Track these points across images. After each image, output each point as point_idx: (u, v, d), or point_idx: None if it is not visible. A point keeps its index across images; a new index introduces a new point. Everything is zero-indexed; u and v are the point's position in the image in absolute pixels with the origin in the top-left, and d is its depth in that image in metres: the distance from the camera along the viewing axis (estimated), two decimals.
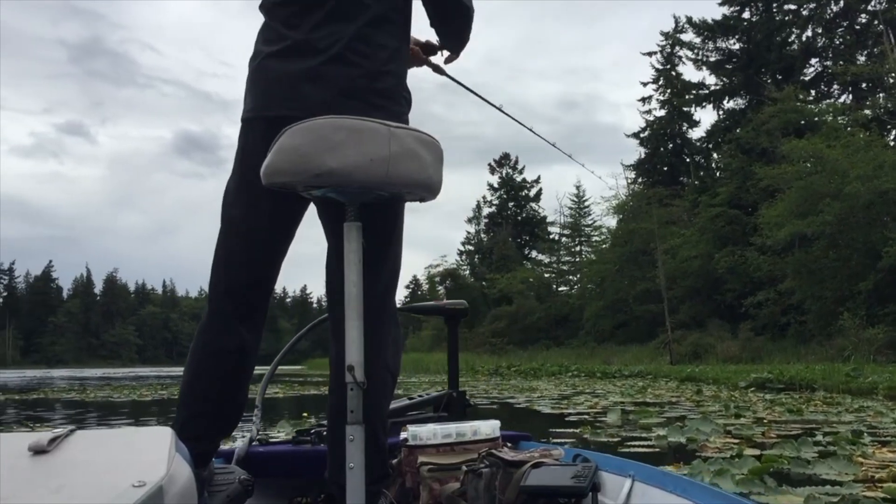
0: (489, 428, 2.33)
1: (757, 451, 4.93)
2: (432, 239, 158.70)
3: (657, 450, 5.40)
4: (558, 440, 5.86)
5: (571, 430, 6.73)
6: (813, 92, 38.59)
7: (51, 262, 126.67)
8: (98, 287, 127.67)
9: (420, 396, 3.02)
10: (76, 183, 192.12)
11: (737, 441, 5.58)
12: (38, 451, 1.36)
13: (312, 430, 2.59)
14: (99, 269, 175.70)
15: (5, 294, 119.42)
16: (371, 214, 1.82)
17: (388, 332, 2.10)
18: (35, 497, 1.25)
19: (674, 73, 46.54)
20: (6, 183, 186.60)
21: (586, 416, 8.34)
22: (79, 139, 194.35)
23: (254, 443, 2.54)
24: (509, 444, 2.37)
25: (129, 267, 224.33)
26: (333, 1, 1.96)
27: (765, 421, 7.33)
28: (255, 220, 2.06)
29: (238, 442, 2.56)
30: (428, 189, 1.72)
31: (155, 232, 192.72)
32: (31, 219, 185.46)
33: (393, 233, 2.10)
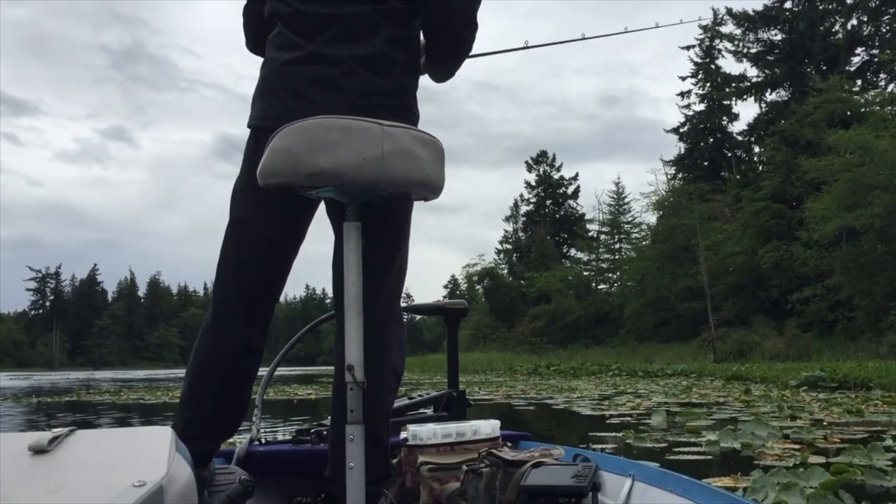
0: (489, 427, 2.32)
1: (822, 459, 4.43)
2: (470, 238, 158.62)
3: (709, 457, 4.90)
4: (599, 445, 5.41)
5: (613, 434, 6.26)
6: (859, 82, 37.62)
7: (95, 265, 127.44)
8: (142, 290, 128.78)
9: (420, 396, 2.96)
10: (119, 187, 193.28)
11: (797, 447, 5.06)
12: (38, 450, 1.35)
13: (312, 430, 2.56)
14: (142, 272, 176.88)
15: (52, 298, 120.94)
16: (377, 214, 1.87)
17: (394, 332, 2.09)
18: (35, 497, 1.24)
19: (713, 66, 45.76)
20: (52, 189, 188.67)
21: (629, 419, 7.86)
22: (122, 144, 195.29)
23: (254, 442, 2.52)
24: (509, 444, 2.35)
25: (171, 269, 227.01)
26: (348, 18, 1.95)
27: (824, 423, 6.78)
28: (263, 220, 2.04)
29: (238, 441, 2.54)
30: (427, 188, 1.71)
31: (196, 234, 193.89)
32: (76, 223, 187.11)
33: (400, 233, 2.08)
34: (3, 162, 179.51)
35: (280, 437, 2.74)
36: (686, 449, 5.25)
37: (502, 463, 2.00)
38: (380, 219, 1.94)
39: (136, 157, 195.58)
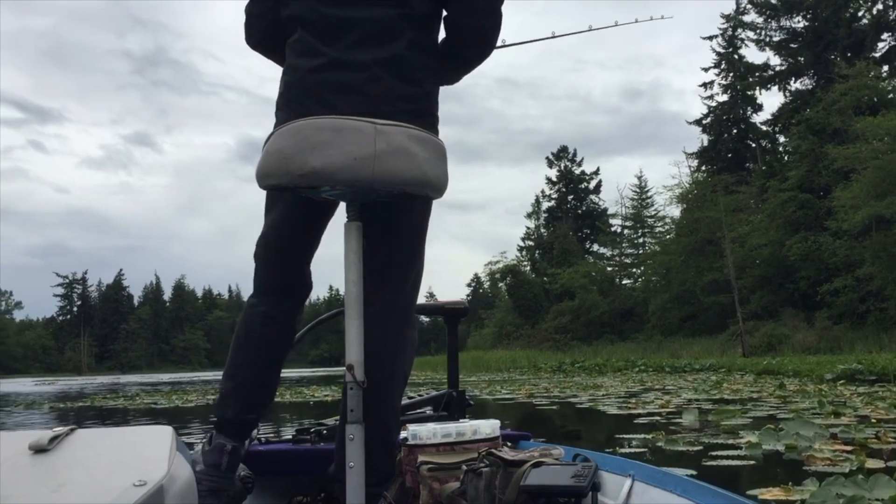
0: (489, 427, 2.33)
1: (880, 463, 3.95)
2: (493, 236, 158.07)
3: (751, 462, 4.39)
4: (626, 451, 4.94)
5: (642, 436, 5.79)
6: (886, 67, 36.75)
7: (121, 270, 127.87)
8: (167, 293, 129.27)
9: (420, 396, 2.95)
10: (144, 192, 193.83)
11: (849, 448, 4.53)
12: (38, 449, 1.37)
13: (312, 430, 2.57)
14: (167, 276, 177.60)
15: (79, 303, 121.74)
16: (391, 215, 1.97)
17: (408, 333, 2.10)
18: (36, 496, 1.25)
19: (736, 56, 45.15)
20: (77, 195, 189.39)
21: (658, 418, 7.39)
22: (146, 149, 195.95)
23: (254, 441, 2.48)
24: (509, 444, 2.35)
25: (195, 273, 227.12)
26: (371, 22, 1.94)
27: (872, 420, 6.25)
28: (287, 224, 2.07)
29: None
30: (427, 186, 1.69)
31: (220, 237, 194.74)
32: (102, 229, 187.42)
33: (417, 234, 2.09)
34: (31, 170, 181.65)
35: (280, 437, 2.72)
36: (724, 452, 4.75)
37: (502, 463, 2.00)
38: (394, 220, 1.99)
39: (159, 161, 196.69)
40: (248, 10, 2.15)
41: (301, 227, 2.10)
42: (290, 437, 2.59)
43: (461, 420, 2.64)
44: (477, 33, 2.08)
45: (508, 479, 1.94)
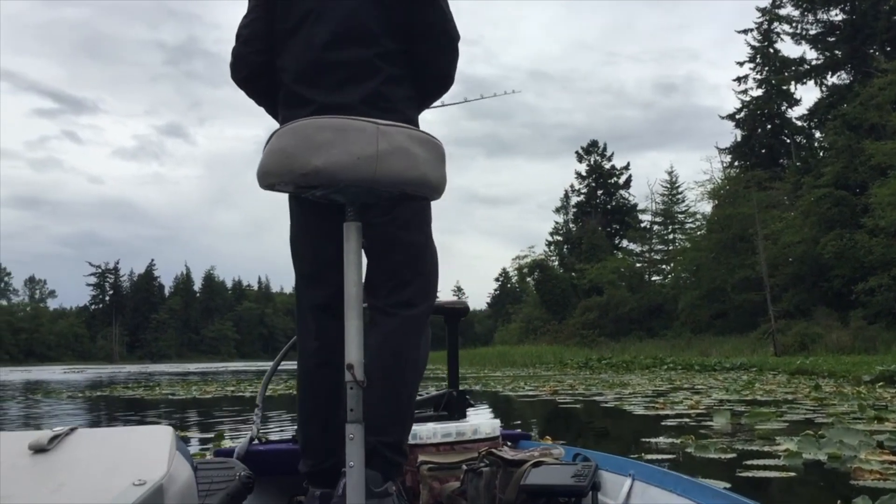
0: (489, 427, 2.33)
1: None
2: (523, 230, 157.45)
3: (791, 474, 4.00)
4: (652, 457, 4.59)
5: (670, 441, 5.42)
6: None
7: (153, 261, 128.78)
8: (197, 284, 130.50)
9: (420, 396, 2.83)
10: (176, 183, 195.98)
11: None
12: (38, 449, 1.37)
13: None
14: (197, 267, 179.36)
15: (111, 293, 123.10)
16: (395, 215, 2.06)
17: (423, 330, 2.10)
18: (35, 496, 1.25)
19: (771, 49, 44.35)
20: (111, 185, 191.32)
21: (687, 420, 7.02)
22: (178, 140, 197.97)
23: (254, 441, 2.51)
24: (509, 444, 2.36)
25: (225, 264, 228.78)
26: (350, 64, 2.03)
27: None
28: (307, 236, 2.14)
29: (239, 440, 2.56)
30: (426, 186, 1.69)
31: (250, 229, 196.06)
32: (134, 219, 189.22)
33: (417, 233, 2.12)
34: (65, 160, 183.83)
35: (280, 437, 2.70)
36: (760, 461, 4.36)
37: (502, 462, 2.02)
38: (394, 220, 2.04)
39: (191, 153, 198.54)
40: (236, 53, 2.21)
41: (332, 237, 2.04)
42: (291, 437, 2.53)
43: (462, 420, 2.64)
44: (438, 68, 2.18)
45: (508, 479, 1.97)
